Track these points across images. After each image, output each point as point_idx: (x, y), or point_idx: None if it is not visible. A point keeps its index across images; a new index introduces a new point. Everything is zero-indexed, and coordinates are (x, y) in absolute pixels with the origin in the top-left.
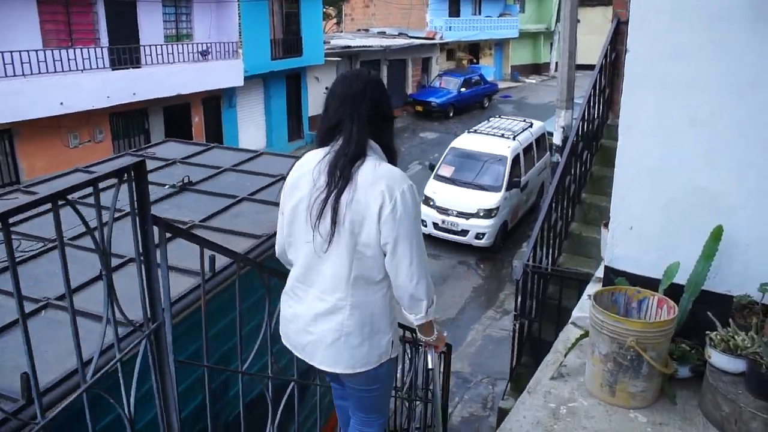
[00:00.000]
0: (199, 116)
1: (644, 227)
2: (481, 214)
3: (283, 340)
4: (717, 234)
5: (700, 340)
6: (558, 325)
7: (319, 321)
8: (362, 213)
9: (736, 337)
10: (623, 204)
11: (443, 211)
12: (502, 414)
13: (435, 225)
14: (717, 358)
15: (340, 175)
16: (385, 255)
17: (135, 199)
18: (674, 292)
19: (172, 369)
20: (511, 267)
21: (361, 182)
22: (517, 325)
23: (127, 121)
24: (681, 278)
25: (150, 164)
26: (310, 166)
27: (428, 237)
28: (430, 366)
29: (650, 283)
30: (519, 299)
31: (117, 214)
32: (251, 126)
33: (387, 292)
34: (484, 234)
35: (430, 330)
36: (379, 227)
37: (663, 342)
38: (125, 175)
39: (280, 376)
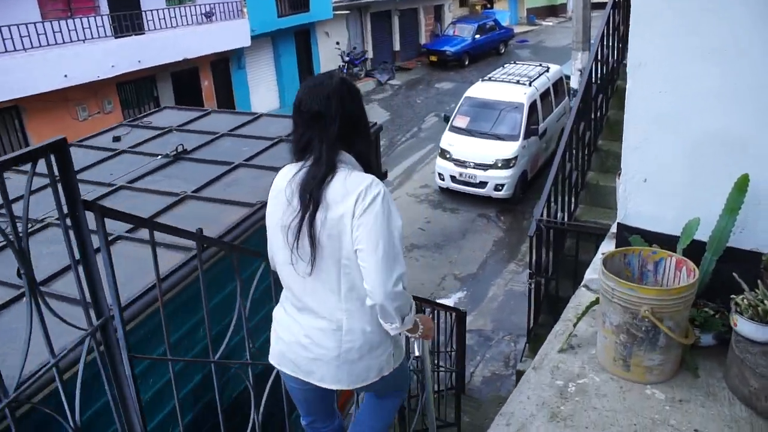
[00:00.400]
0: (208, 80)
1: (660, 179)
2: (500, 164)
3: (276, 363)
4: (742, 184)
5: (725, 303)
6: (576, 282)
7: (314, 339)
8: (338, 227)
9: (765, 301)
10: (635, 154)
11: (460, 163)
12: (520, 377)
13: (452, 178)
14: (744, 326)
15: (310, 198)
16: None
17: (58, 183)
18: (695, 250)
19: (127, 368)
20: (533, 218)
21: (332, 198)
22: (533, 284)
23: (135, 90)
24: (702, 235)
25: (145, 134)
26: (283, 185)
27: (446, 191)
28: (417, 353)
29: (668, 241)
30: (533, 257)
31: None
32: (263, 87)
33: None
34: (503, 185)
35: (413, 329)
36: (353, 233)
37: (682, 310)
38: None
39: (259, 361)
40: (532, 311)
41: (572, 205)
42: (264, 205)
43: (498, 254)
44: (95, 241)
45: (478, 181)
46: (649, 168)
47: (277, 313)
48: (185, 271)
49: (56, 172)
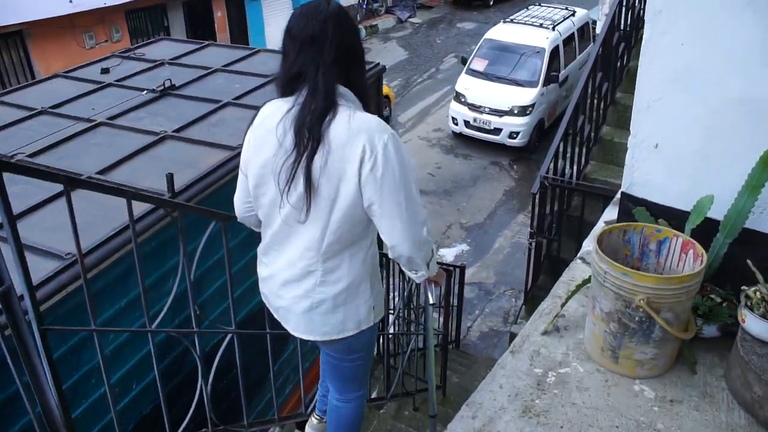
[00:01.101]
0: (221, 11)
1: (673, 146)
2: (516, 111)
3: (262, 298)
4: None
5: (735, 291)
6: (579, 243)
7: (288, 287)
8: (339, 175)
9: None
10: (647, 114)
11: (475, 108)
12: (513, 339)
13: (466, 123)
14: (753, 324)
15: (309, 136)
16: (368, 217)
17: None
18: (706, 229)
19: (38, 340)
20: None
21: (335, 140)
22: (533, 244)
23: (145, 19)
24: (716, 212)
25: (135, 66)
26: (273, 123)
27: (459, 136)
28: (431, 301)
29: (676, 216)
30: (535, 215)
31: None
32: (279, 20)
33: (366, 256)
34: (518, 133)
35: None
36: (359, 188)
37: (684, 301)
38: None
39: (207, 329)
40: (531, 272)
41: (582, 161)
42: None
43: (508, 204)
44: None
45: (492, 128)
46: (661, 132)
47: (260, 254)
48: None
49: None
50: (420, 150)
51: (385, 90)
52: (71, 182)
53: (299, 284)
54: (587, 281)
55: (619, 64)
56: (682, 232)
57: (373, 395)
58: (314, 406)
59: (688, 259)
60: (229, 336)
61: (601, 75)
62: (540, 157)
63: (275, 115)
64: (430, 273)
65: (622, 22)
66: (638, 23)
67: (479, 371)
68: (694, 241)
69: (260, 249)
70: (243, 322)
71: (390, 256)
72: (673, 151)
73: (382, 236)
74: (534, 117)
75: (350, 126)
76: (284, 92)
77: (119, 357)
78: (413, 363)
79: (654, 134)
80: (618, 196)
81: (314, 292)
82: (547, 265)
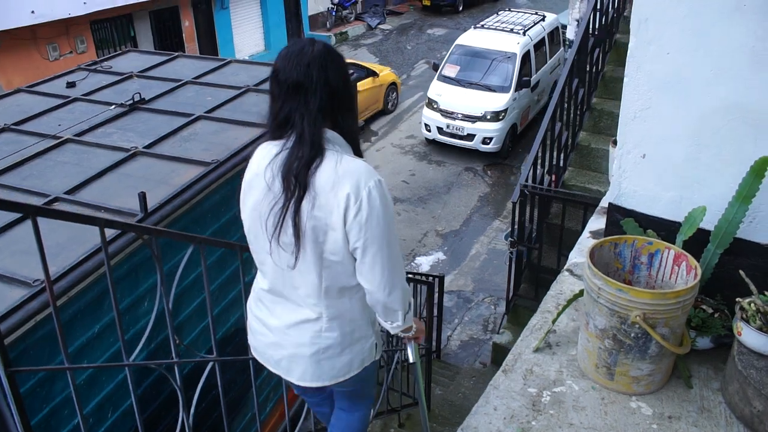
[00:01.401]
0: (189, 20)
1: (662, 155)
2: (488, 117)
3: (252, 353)
4: (761, 167)
5: (727, 301)
6: (560, 251)
7: (292, 333)
8: (325, 220)
9: None
10: (634, 124)
11: (448, 114)
12: (497, 350)
13: (439, 129)
14: (750, 337)
15: (296, 183)
16: (355, 260)
17: None
18: (696, 239)
19: (5, 386)
20: (520, 174)
21: (321, 186)
22: (515, 253)
23: (111, 29)
24: (707, 222)
25: (102, 80)
26: (262, 167)
27: (432, 142)
28: (411, 360)
29: (665, 227)
30: (515, 223)
31: None
32: (247, 29)
33: (363, 296)
34: (491, 138)
35: (408, 328)
36: (345, 232)
37: (679, 316)
38: None
39: (187, 360)
40: (512, 281)
41: (561, 168)
42: (220, 164)
43: (483, 210)
44: None
45: (465, 134)
46: (649, 142)
47: (251, 304)
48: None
49: None
50: (393, 157)
51: (392, 77)
52: (38, 212)
53: (304, 330)
54: (578, 295)
55: (594, 69)
56: (672, 242)
57: None
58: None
59: (680, 272)
60: (211, 364)
61: (577, 81)
62: (513, 162)
63: (265, 159)
64: (406, 324)
65: (596, 27)
66: (611, 28)
67: (462, 382)
68: (687, 253)
69: (253, 298)
70: (221, 342)
71: (368, 301)
72: (662, 161)
73: (360, 281)
74: (507, 122)
75: (336, 172)
76: (274, 135)
77: (94, 385)
78: (397, 378)
79: (641, 144)
80: (602, 204)
81: (320, 338)
82: (528, 273)
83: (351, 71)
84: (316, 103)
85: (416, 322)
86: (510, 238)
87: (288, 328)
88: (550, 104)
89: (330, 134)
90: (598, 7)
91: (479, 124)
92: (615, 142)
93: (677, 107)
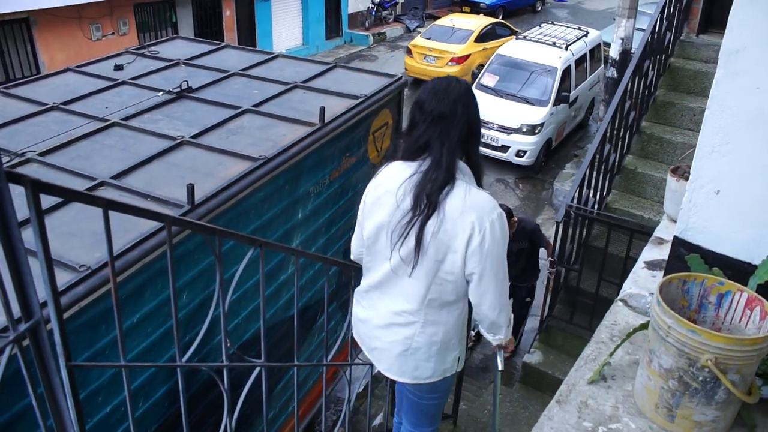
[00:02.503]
0: (230, 10)
1: (738, 193)
2: (524, 129)
3: (355, 337)
4: None
5: None
6: (601, 274)
7: (389, 331)
8: (448, 243)
9: None
10: (711, 158)
11: (483, 124)
12: (526, 370)
13: None
14: None
15: (427, 202)
16: (467, 282)
17: None
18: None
19: (64, 378)
20: (552, 189)
21: (450, 212)
22: (554, 273)
23: (153, 13)
24: None
25: (149, 65)
26: (394, 185)
27: None
28: (500, 368)
29: (734, 267)
30: (557, 244)
31: None
32: (287, 22)
33: (461, 313)
34: (525, 151)
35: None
36: (465, 257)
37: (752, 364)
38: None
39: (237, 363)
40: (548, 301)
41: (605, 190)
42: (267, 161)
43: None
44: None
45: (499, 145)
46: (726, 178)
47: (357, 294)
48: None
49: None
50: None
51: None
52: (110, 205)
53: (399, 330)
54: (637, 329)
55: (646, 92)
56: (741, 283)
57: (378, 421)
58: None
59: (753, 317)
60: (257, 369)
61: (629, 103)
62: (546, 177)
63: (397, 178)
64: (506, 337)
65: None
66: (668, 50)
67: (488, 399)
68: (762, 298)
69: (361, 291)
70: (246, 344)
71: (476, 317)
72: (738, 199)
73: (472, 300)
74: (542, 136)
75: (465, 201)
76: (407, 157)
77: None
78: None
79: (717, 179)
80: (657, 234)
81: (412, 341)
82: (564, 295)
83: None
84: (456, 134)
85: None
86: (550, 258)
87: (386, 326)
88: (601, 125)
89: (461, 165)
90: (656, 30)
91: (514, 136)
92: (674, 171)
93: (760, 145)
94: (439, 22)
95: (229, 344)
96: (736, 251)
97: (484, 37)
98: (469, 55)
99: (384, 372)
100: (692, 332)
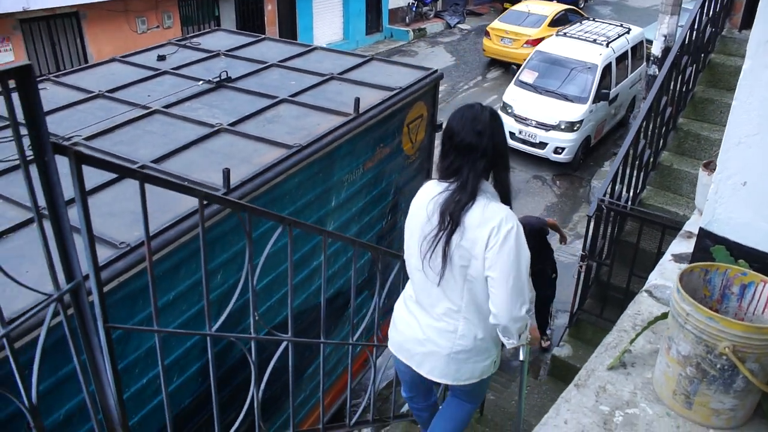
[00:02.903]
0: (272, 4)
1: (765, 184)
2: (563, 126)
3: (395, 351)
4: None
5: None
6: (632, 271)
7: (431, 337)
8: (470, 251)
9: None
10: (738, 150)
11: (522, 120)
12: (555, 363)
13: (511, 135)
14: None
15: (450, 220)
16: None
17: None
18: None
19: (102, 338)
20: (590, 187)
21: (470, 223)
22: (584, 267)
23: (196, 7)
24: None
25: (191, 56)
26: (426, 200)
27: None
28: (521, 358)
29: (762, 260)
30: (589, 238)
31: None
32: (327, 17)
33: None
34: (563, 148)
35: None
36: (483, 261)
37: None
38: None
39: (264, 336)
40: (578, 295)
41: (639, 186)
42: (301, 149)
43: None
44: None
45: (537, 141)
46: (753, 169)
47: (399, 306)
48: (189, 224)
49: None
50: None
51: None
52: (146, 179)
53: (442, 335)
54: (659, 318)
55: (684, 88)
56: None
57: (406, 408)
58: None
59: None
60: (284, 343)
61: (665, 99)
62: (584, 175)
63: (430, 195)
64: (520, 342)
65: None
66: (708, 47)
67: (516, 390)
68: None
69: (403, 300)
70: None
71: (490, 321)
72: (764, 190)
73: (489, 302)
74: (581, 134)
75: (483, 214)
76: (442, 178)
77: (164, 349)
78: None
79: (743, 171)
80: (686, 228)
81: (454, 345)
82: (595, 289)
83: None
84: (482, 164)
85: (531, 330)
86: (581, 252)
87: (429, 333)
88: (636, 120)
89: (484, 185)
90: (696, 26)
91: (553, 133)
92: (706, 166)
93: None
94: (515, 7)
95: (257, 317)
96: (763, 243)
97: (557, 21)
98: (542, 38)
99: (426, 375)
100: (710, 319)
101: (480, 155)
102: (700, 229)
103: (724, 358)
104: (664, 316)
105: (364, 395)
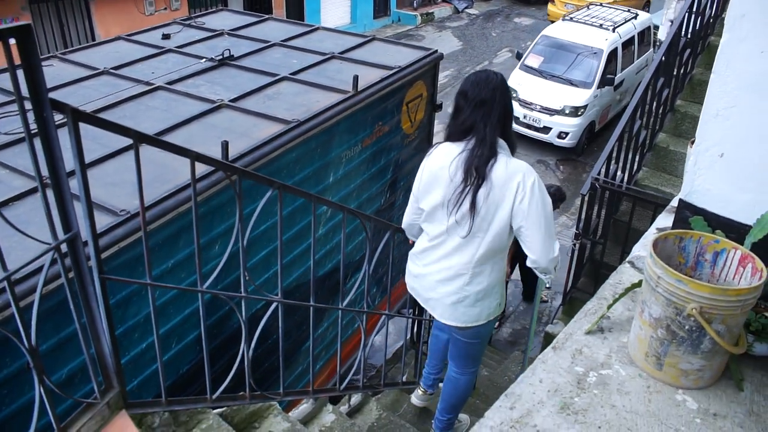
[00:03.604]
0: None
1: (741, 156)
2: (567, 111)
3: (409, 291)
4: None
5: None
6: (625, 249)
7: (443, 284)
8: (497, 204)
9: None
10: (716, 122)
11: (526, 104)
12: (548, 339)
13: (516, 119)
14: None
15: (476, 174)
16: (507, 236)
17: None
18: (766, 244)
19: (97, 290)
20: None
21: (496, 180)
22: (577, 246)
23: None
24: None
25: (195, 35)
26: (447, 161)
27: None
28: (547, 285)
29: (735, 229)
30: (582, 216)
31: None
32: (335, 0)
33: (501, 267)
34: (567, 133)
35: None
36: (511, 214)
37: (738, 315)
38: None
39: (252, 295)
40: (572, 273)
41: (635, 167)
42: (300, 124)
43: None
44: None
45: (541, 126)
46: (729, 141)
47: (413, 255)
48: (188, 194)
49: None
50: None
51: None
52: (141, 137)
53: (451, 283)
54: (636, 285)
55: (682, 71)
56: (741, 245)
57: (404, 379)
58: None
59: (745, 273)
60: (274, 304)
61: (662, 80)
62: (588, 160)
63: (448, 156)
64: (555, 275)
65: (690, 28)
66: (707, 30)
67: (510, 367)
68: (754, 255)
69: (416, 251)
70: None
71: (528, 264)
72: (740, 162)
73: (525, 249)
74: (585, 119)
75: (507, 170)
76: (454, 138)
77: (162, 315)
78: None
79: (721, 143)
80: (673, 203)
81: (462, 290)
82: (588, 268)
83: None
84: (496, 115)
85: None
86: (575, 231)
87: (441, 279)
88: (631, 100)
89: (500, 141)
90: (692, 8)
91: (557, 118)
92: (693, 143)
93: (763, 108)
94: None
95: (248, 277)
96: (739, 214)
97: None
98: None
99: (438, 318)
100: (679, 282)
101: (494, 109)
102: (680, 200)
103: (691, 320)
104: (639, 283)
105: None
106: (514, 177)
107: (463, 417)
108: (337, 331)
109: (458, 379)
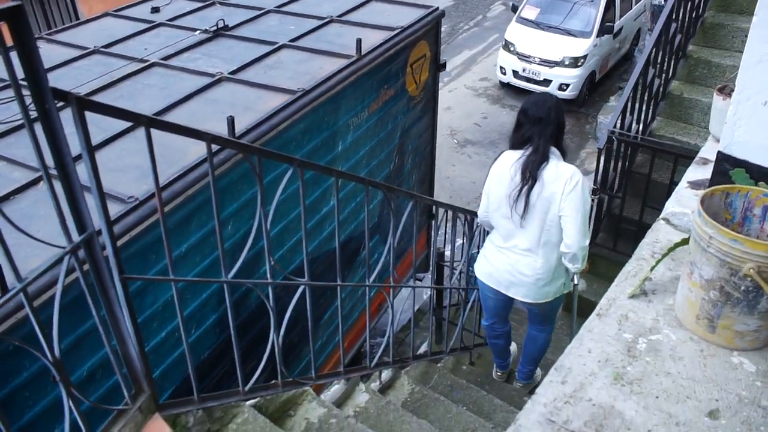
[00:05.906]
0: None
1: None
2: (567, 62)
3: (484, 279)
4: None
5: None
6: (645, 202)
7: (517, 268)
8: (549, 199)
9: None
10: (758, 68)
11: (525, 57)
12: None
13: (515, 73)
14: None
15: (530, 176)
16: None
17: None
18: None
19: (118, 288)
20: (596, 123)
21: (547, 179)
22: (596, 201)
23: None
24: None
25: (185, 6)
26: (508, 165)
27: (506, 86)
28: (575, 282)
29: None
30: (600, 171)
31: None
32: None
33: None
34: (568, 85)
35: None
36: (560, 206)
37: None
38: None
39: (281, 281)
40: (591, 229)
41: (649, 117)
42: (306, 93)
43: None
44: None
45: (541, 78)
46: None
47: (488, 246)
48: (197, 175)
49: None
50: (466, 99)
51: None
52: (152, 123)
53: (527, 266)
54: (678, 244)
55: (694, 14)
56: None
57: (423, 350)
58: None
59: None
60: (301, 288)
61: (675, 26)
62: (589, 111)
63: (510, 161)
64: (582, 267)
65: None
66: None
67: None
68: None
69: (492, 241)
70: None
71: (561, 248)
72: None
73: (563, 236)
74: (585, 69)
75: (557, 170)
76: (515, 147)
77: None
78: (470, 319)
79: (763, 90)
80: (701, 154)
81: (536, 273)
82: (607, 222)
83: None
84: (550, 130)
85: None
86: (593, 186)
87: (516, 264)
88: (644, 49)
89: (552, 149)
90: None
91: (557, 70)
92: (721, 90)
93: None
94: None
95: (273, 262)
96: None
97: None
98: None
99: (521, 298)
100: (734, 241)
101: (548, 125)
102: (719, 152)
103: (748, 280)
104: (684, 242)
105: (380, 339)
106: (563, 175)
107: (539, 372)
108: (352, 303)
109: (537, 336)
